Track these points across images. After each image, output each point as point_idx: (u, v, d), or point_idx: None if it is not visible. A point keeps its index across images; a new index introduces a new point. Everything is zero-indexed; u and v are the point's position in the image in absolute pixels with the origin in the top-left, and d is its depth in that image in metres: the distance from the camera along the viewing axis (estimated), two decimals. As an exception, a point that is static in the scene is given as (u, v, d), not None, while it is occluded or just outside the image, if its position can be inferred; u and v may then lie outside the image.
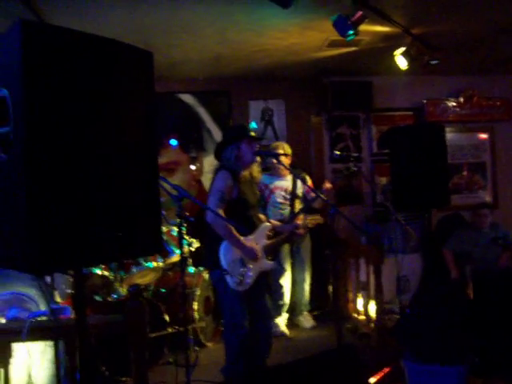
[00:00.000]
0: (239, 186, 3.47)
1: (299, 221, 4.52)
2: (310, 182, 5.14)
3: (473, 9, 4.47)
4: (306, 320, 5.38)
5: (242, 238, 3.41)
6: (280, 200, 5.08)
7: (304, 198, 5.19)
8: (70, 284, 3.67)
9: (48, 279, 3.20)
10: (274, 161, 4.79)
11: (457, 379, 3.45)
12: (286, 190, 5.14)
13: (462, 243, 5.30)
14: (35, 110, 1.59)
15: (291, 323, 5.39)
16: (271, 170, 5.16)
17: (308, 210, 4.87)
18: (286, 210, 5.06)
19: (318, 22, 4.47)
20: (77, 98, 1.71)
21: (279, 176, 5.15)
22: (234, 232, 3.37)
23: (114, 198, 1.83)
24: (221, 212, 3.34)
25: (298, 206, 5.15)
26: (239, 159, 3.51)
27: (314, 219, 4.22)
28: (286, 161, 4.99)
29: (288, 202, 5.12)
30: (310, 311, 5.52)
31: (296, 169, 5.15)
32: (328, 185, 4.65)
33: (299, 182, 5.13)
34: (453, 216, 6.51)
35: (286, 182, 5.17)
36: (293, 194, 5.13)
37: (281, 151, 4.93)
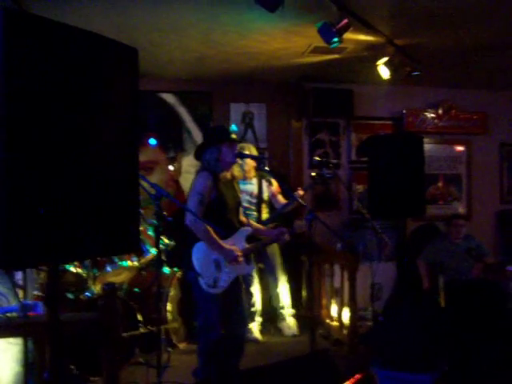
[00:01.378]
0: (219, 187, 3.46)
1: (300, 192, 4.45)
2: (275, 185, 5.11)
3: (455, 24, 4.54)
4: (288, 327, 5.27)
5: (220, 240, 3.39)
6: (246, 205, 4.88)
7: (270, 202, 5.15)
8: (39, 286, 3.60)
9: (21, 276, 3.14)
10: (239, 162, 4.70)
11: (426, 387, 3.49)
12: (251, 194, 5.06)
13: (436, 254, 5.36)
14: (14, 101, 1.56)
15: (275, 328, 5.38)
16: None
17: (280, 216, 4.86)
18: (253, 216, 4.95)
19: (303, 27, 4.48)
20: (58, 90, 1.68)
21: (244, 179, 4.90)
22: (213, 235, 3.35)
23: (92, 194, 1.81)
24: (200, 214, 3.33)
25: (265, 210, 5.11)
26: (219, 161, 3.51)
27: (301, 225, 4.15)
28: (252, 164, 4.98)
29: (254, 207, 5.05)
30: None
31: (261, 172, 5.09)
32: (300, 192, 4.66)
33: (265, 186, 5.08)
34: (427, 226, 6.60)
35: (252, 186, 5.08)
36: (259, 198, 5.07)
37: (247, 152, 4.81)
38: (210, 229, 3.33)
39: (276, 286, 5.25)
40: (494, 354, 3.99)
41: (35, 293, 3.70)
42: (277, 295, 5.27)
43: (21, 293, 3.41)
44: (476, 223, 6.75)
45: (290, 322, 5.28)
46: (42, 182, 1.63)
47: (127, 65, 1.98)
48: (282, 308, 5.28)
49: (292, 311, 5.33)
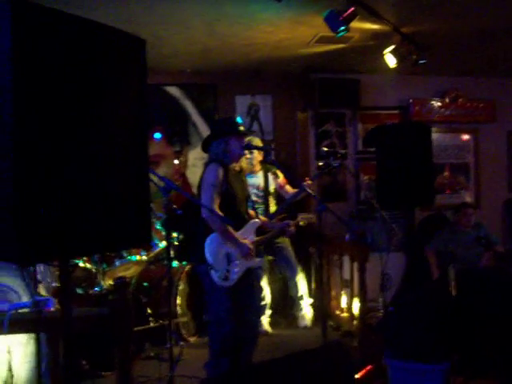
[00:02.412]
0: (228, 179, 3.44)
1: (308, 182, 4.47)
2: (281, 177, 5.07)
3: (461, 11, 4.48)
4: (301, 318, 5.26)
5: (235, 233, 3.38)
6: (253, 198, 4.76)
7: (277, 195, 5.13)
8: (55, 277, 3.60)
9: (32, 270, 3.13)
10: (247, 156, 4.70)
11: (438, 377, 3.47)
12: (258, 188, 5.02)
13: (445, 243, 5.34)
14: (23, 92, 1.53)
15: (285, 320, 5.38)
16: None
17: (289, 206, 4.83)
18: (260, 209, 4.90)
19: (309, 17, 4.44)
20: (66, 81, 1.65)
21: (250, 173, 4.85)
22: (229, 228, 3.34)
23: (103, 188, 1.78)
24: (216, 207, 3.31)
25: (273, 203, 5.09)
26: (227, 153, 3.49)
27: (307, 218, 4.14)
28: (259, 157, 4.95)
29: (261, 200, 5.01)
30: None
31: (268, 164, 5.06)
32: (308, 181, 4.62)
33: (271, 178, 5.05)
34: (436, 215, 6.56)
35: (258, 179, 5.04)
36: (266, 191, 5.04)
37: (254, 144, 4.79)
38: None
39: (294, 276, 5.21)
40: (505, 343, 3.97)
41: (53, 285, 3.70)
42: (295, 285, 5.23)
43: (40, 286, 3.41)
44: (484, 212, 6.70)
45: (304, 313, 5.27)
46: (52, 176, 1.60)
47: (135, 56, 1.95)
48: (301, 298, 5.26)
49: (310, 300, 5.32)
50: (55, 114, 1.61)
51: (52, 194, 1.59)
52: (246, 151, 3.60)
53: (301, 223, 4.05)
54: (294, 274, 5.22)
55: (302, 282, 5.26)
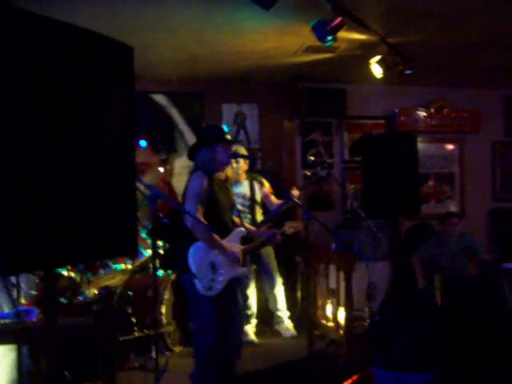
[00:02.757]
0: (214, 188, 3.42)
1: (296, 192, 4.44)
2: (267, 186, 5.06)
3: (447, 22, 4.53)
4: (286, 330, 5.22)
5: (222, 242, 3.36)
6: (239, 207, 4.74)
7: (263, 204, 5.10)
8: (34, 285, 3.53)
9: (13, 280, 3.07)
10: (233, 165, 4.69)
11: (425, 387, 3.47)
12: (244, 197, 4.98)
13: (431, 252, 5.36)
14: (8, 99, 1.50)
15: (270, 330, 5.34)
16: None
17: (275, 216, 4.81)
18: (247, 218, 4.88)
19: (296, 26, 4.45)
20: (51, 89, 1.63)
21: (236, 182, 4.78)
22: (215, 236, 3.32)
23: (88, 196, 1.76)
24: (200, 215, 3.29)
25: (259, 212, 5.06)
26: (214, 161, 3.47)
27: (294, 226, 4.11)
28: (244, 166, 4.93)
29: (247, 209, 4.98)
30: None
31: (253, 173, 5.05)
32: (295, 191, 4.61)
33: (257, 187, 5.03)
34: (421, 225, 6.59)
35: (244, 188, 5.00)
36: (252, 200, 5.01)
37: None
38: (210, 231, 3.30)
39: (272, 288, 5.19)
40: (491, 351, 3.98)
41: (33, 292, 3.62)
42: (273, 297, 5.22)
43: (15, 293, 3.33)
44: (469, 221, 6.74)
45: (287, 324, 5.25)
46: (36, 185, 1.58)
47: (123, 63, 1.93)
48: (279, 310, 5.24)
49: (288, 313, 5.29)
50: (39, 122, 1.59)
51: (36, 203, 1.57)
52: (232, 160, 3.57)
53: (287, 231, 4.00)
54: (273, 287, 5.19)
55: (280, 295, 5.23)
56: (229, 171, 3.63)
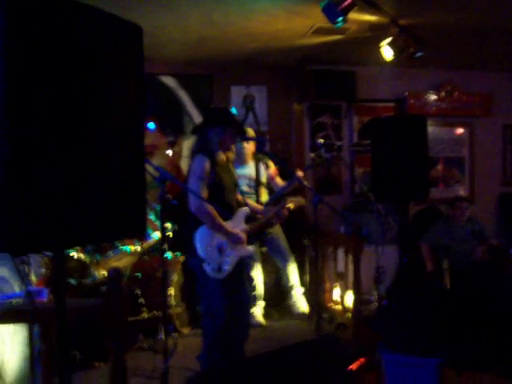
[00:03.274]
0: (216, 169, 3.42)
1: (300, 173, 4.44)
2: (272, 167, 5.06)
3: (459, 4, 4.47)
4: (294, 306, 5.22)
5: (225, 223, 3.37)
6: (245, 188, 4.85)
7: (269, 185, 5.10)
8: (43, 263, 3.56)
9: (25, 259, 3.09)
10: (246, 145, 4.70)
11: (432, 370, 3.48)
12: (249, 178, 5.00)
13: (440, 236, 5.34)
14: (16, 80, 1.49)
15: (278, 312, 5.36)
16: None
17: (280, 197, 4.79)
18: (252, 199, 4.86)
19: (306, 7, 4.40)
20: (61, 68, 1.61)
21: (242, 163, 4.92)
22: (219, 219, 3.33)
23: (97, 177, 1.75)
24: (204, 197, 3.30)
25: (264, 193, 5.07)
26: (222, 143, 3.47)
27: (296, 200, 4.06)
28: (252, 148, 4.93)
29: (253, 190, 4.99)
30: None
31: (258, 155, 5.04)
32: (300, 173, 4.59)
33: (262, 169, 5.02)
34: (430, 209, 6.56)
35: (249, 170, 5.02)
36: (257, 181, 5.02)
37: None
38: (214, 212, 3.30)
39: (285, 266, 5.19)
40: (498, 336, 3.98)
41: (42, 270, 3.65)
42: (287, 274, 5.21)
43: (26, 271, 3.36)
44: (478, 205, 6.70)
45: (300, 300, 5.24)
46: (45, 165, 1.57)
47: (132, 43, 1.91)
48: (292, 287, 5.25)
49: (302, 289, 5.29)
50: (50, 102, 1.57)
51: (45, 183, 1.56)
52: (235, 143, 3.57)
53: (289, 205, 3.94)
54: (286, 264, 5.19)
55: (293, 272, 5.23)
56: (230, 153, 3.63)
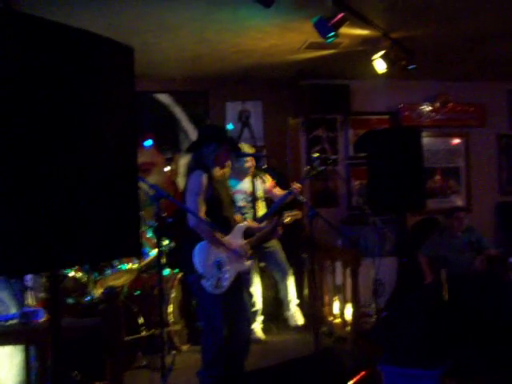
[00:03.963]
0: (213, 185, 3.44)
1: (297, 185, 4.46)
2: (270, 181, 5.06)
3: (450, 16, 4.52)
4: (293, 318, 5.16)
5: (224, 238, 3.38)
6: (241, 203, 4.87)
7: (266, 199, 5.09)
8: (43, 287, 3.55)
9: (23, 281, 3.09)
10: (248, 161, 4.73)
11: (433, 382, 3.46)
12: (246, 193, 5.00)
13: (437, 247, 5.34)
14: (5, 104, 1.50)
15: (277, 327, 5.35)
16: (232, 173, 4.99)
17: (278, 210, 4.79)
18: (249, 214, 4.89)
19: (298, 23, 4.44)
20: (52, 91, 1.63)
21: (237, 178, 4.91)
22: (217, 235, 3.35)
23: (92, 197, 1.76)
24: (202, 214, 3.31)
25: (261, 207, 5.07)
26: (217, 159, 3.49)
27: (293, 215, 4.06)
28: (252, 162, 4.95)
29: (249, 205, 4.98)
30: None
31: (257, 170, 5.05)
32: (297, 185, 4.60)
33: (258, 183, 5.04)
34: (428, 220, 6.57)
35: (245, 184, 5.01)
36: (253, 196, 5.01)
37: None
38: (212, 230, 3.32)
39: (284, 279, 5.16)
40: (497, 345, 3.96)
41: (41, 295, 3.65)
42: (285, 287, 5.18)
43: (28, 295, 3.36)
44: (476, 215, 6.71)
45: (295, 312, 5.20)
46: (40, 185, 1.58)
47: (123, 64, 1.93)
48: (290, 301, 5.22)
49: (297, 301, 5.27)
50: (41, 124, 1.59)
51: (40, 204, 1.57)
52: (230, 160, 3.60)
53: (286, 220, 3.95)
54: (285, 277, 5.17)
55: (291, 285, 5.22)
56: (226, 169, 3.65)
